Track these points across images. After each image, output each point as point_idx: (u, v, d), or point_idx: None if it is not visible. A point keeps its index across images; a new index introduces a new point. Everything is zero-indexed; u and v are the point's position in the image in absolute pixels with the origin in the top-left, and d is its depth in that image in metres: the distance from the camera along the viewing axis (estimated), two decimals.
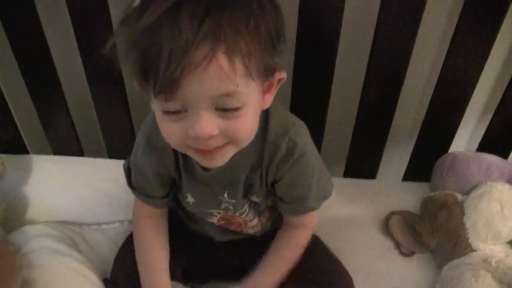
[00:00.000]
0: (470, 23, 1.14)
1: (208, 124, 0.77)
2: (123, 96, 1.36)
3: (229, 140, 0.82)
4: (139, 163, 1.03)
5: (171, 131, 0.82)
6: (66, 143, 1.48)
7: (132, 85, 1.33)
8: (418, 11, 1.13)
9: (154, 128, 0.95)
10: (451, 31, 1.17)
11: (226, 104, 0.77)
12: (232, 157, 0.90)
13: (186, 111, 0.77)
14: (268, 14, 0.78)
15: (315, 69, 1.24)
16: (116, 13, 1.20)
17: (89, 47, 1.27)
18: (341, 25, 1.16)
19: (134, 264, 1.10)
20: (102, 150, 1.52)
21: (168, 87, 0.72)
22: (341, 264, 1.16)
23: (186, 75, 0.71)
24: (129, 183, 1.08)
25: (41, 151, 1.51)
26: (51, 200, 1.34)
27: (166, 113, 0.79)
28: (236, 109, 0.78)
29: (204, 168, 0.98)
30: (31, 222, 1.27)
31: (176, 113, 0.78)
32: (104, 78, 1.33)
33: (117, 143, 1.47)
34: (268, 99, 0.88)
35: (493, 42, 1.16)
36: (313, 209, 1.07)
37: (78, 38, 1.26)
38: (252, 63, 0.75)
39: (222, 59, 0.71)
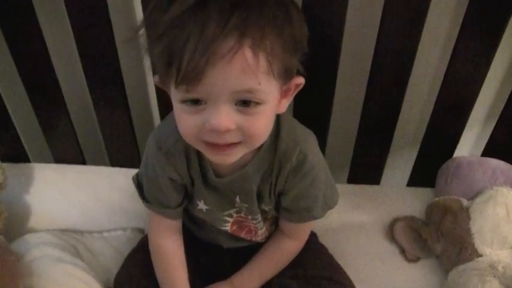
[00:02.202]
0: (474, 28, 1.14)
1: (227, 118, 0.78)
2: (125, 105, 1.36)
3: (244, 137, 0.82)
4: (151, 172, 1.02)
5: (188, 123, 0.82)
6: (68, 151, 1.48)
7: (134, 93, 1.35)
8: (420, 18, 1.12)
9: (164, 135, 0.98)
10: (455, 36, 1.17)
11: (245, 98, 0.78)
12: (245, 166, 0.93)
13: (205, 103, 0.78)
14: (294, 21, 0.80)
15: (318, 75, 1.23)
16: (116, 21, 1.21)
17: (90, 55, 1.27)
18: (343, 32, 1.16)
19: (140, 276, 1.10)
20: (104, 159, 1.51)
21: (191, 77, 0.73)
22: (343, 272, 1.16)
23: (210, 66, 0.72)
24: (143, 197, 1.07)
25: (42, 160, 1.50)
26: (52, 208, 1.34)
27: (185, 101, 0.79)
28: (255, 105, 0.79)
29: (217, 175, 0.98)
30: (33, 230, 1.27)
31: (195, 102, 0.78)
32: (105, 86, 1.33)
33: (119, 151, 1.47)
34: (284, 104, 0.89)
35: (497, 47, 1.16)
36: (316, 218, 1.07)
37: (79, 47, 1.26)
38: (274, 62, 0.76)
39: (247, 53, 0.73)
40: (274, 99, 0.83)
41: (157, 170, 1.00)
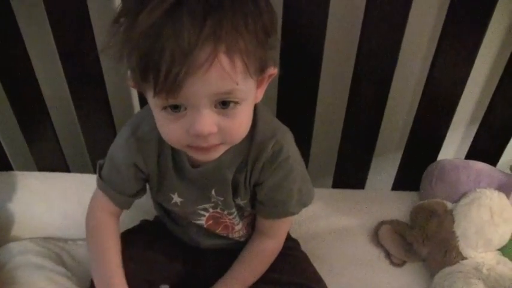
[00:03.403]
0: (455, 32, 1.15)
1: (208, 122, 0.79)
2: (108, 111, 1.36)
3: (225, 138, 0.83)
4: (117, 154, 1.02)
5: (171, 130, 0.83)
6: (51, 159, 1.47)
7: (116, 100, 1.34)
8: (402, 23, 1.13)
9: (142, 121, 0.99)
10: (437, 39, 1.18)
11: (226, 99, 0.79)
12: (221, 156, 0.91)
13: (185, 108, 0.79)
14: (263, 11, 0.79)
15: (301, 80, 1.24)
16: (99, 30, 1.20)
17: (72, 61, 1.27)
18: (325, 35, 1.16)
19: None
20: (88, 166, 1.50)
21: (169, 87, 0.74)
22: (321, 281, 1.15)
23: (188, 77, 0.72)
24: (100, 175, 1.06)
25: (25, 168, 1.49)
26: (36, 216, 1.33)
27: (165, 108, 0.80)
28: (234, 105, 0.80)
29: (193, 165, 0.98)
30: (16, 239, 1.25)
31: (175, 108, 0.79)
32: (88, 93, 1.32)
33: (102, 157, 1.44)
34: (260, 94, 0.90)
35: (477, 51, 1.17)
36: (292, 214, 1.06)
37: (61, 53, 1.25)
38: (250, 61, 0.77)
39: (223, 59, 0.73)
40: (252, 95, 0.84)
41: (124, 153, 1.00)
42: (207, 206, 1.06)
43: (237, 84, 0.76)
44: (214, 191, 1.01)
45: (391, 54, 1.19)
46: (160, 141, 0.97)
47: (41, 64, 1.33)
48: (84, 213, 1.31)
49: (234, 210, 1.06)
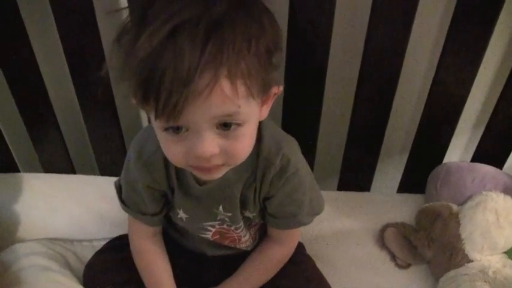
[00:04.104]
0: (461, 32, 1.14)
1: (210, 145, 0.78)
2: (114, 113, 1.36)
3: (228, 159, 0.83)
4: (131, 178, 1.02)
5: (173, 151, 0.82)
6: (57, 161, 1.47)
7: (123, 103, 1.35)
8: (408, 27, 1.13)
9: (146, 143, 0.98)
10: (442, 43, 1.18)
11: (229, 121, 0.78)
12: (227, 173, 0.90)
13: (187, 130, 0.78)
14: (267, 30, 0.78)
15: (306, 83, 1.24)
16: (105, 33, 1.21)
17: (79, 65, 1.27)
18: (331, 39, 1.16)
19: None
20: (94, 168, 1.51)
21: (170, 113, 0.73)
22: (327, 286, 1.15)
23: (188, 104, 0.72)
24: (121, 200, 1.07)
25: (31, 169, 1.50)
26: (42, 217, 1.34)
27: (166, 130, 0.79)
28: (236, 127, 0.79)
29: (199, 183, 0.98)
30: (22, 240, 1.26)
31: (176, 129, 0.78)
32: (94, 95, 1.31)
33: (108, 160, 1.47)
34: (265, 112, 0.88)
35: (483, 54, 1.17)
36: (304, 224, 1.07)
37: (69, 57, 1.26)
38: (252, 83, 0.75)
39: (224, 83, 0.72)
40: (255, 115, 0.83)
41: (136, 177, 1.00)
42: (213, 223, 1.05)
43: (239, 107, 0.76)
44: (222, 207, 1.01)
45: (397, 57, 1.18)
46: (166, 160, 0.96)
47: (48, 66, 1.33)
48: (89, 215, 1.36)
49: (241, 224, 1.05)
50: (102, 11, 1.19)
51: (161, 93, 0.71)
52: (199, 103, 0.72)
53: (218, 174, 0.87)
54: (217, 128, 0.78)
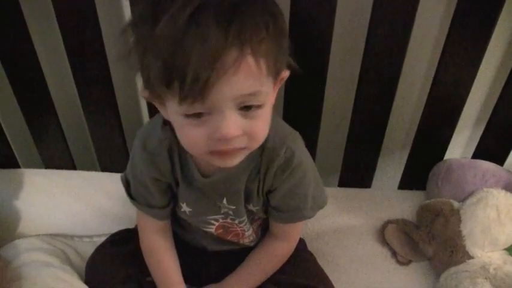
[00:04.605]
0: (462, 31, 1.14)
1: (234, 124, 0.79)
2: (115, 110, 1.36)
3: (248, 141, 0.83)
4: (137, 172, 1.02)
5: (193, 136, 0.82)
6: (58, 157, 1.47)
7: (124, 99, 1.35)
8: (409, 23, 1.13)
9: (150, 135, 0.99)
10: (443, 39, 1.18)
11: (250, 102, 0.79)
12: None
13: (209, 114, 0.78)
14: (278, 18, 0.80)
15: (308, 79, 1.23)
16: (107, 31, 1.21)
17: (79, 60, 1.27)
18: (332, 35, 1.16)
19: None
20: (94, 164, 1.51)
21: (197, 92, 0.73)
22: (328, 282, 1.15)
23: (217, 80, 0.72)
24: (130, 195, 1.07)
25: (31, 165, 1.50)
26: (42, 213, 1.34)
27: (188, 116, 0.79)
28: (256, 109, 0.80)
29: (204, 175, 0.98)
30: (22, 236, 1.26)
31: (198, 115, 0.79)
32: (95, 92, 1.33)
33: (109, 156, 1.47)
34: (273, 98, 0.89)
35: (485, 50, 1.17)
36: (307, 218, 1.07)
37: (69, 52, 1.26)
38: (271, 63, 0.78)
39: (250, 60, 0.74)
40: (271, 97, 0.84)
41: (142, 169, 1.01)
42: (217, 216, 1.06)
43: (262, 85, 0.77)
44: (226, 200, 1.01)
45: (398, 55, 1.19)
46: (170, 152, 0.97)
47: (49, 63, 1.33)
48: (89, 211, 1.36)
49: (245, 217, 1.06)
50: (104, 8, 1.20)
51: (187, 74, 0.71)
52: (226, 79, 0.73)
53: (237, 160, 0.86)
54: (239, 109, 0.79)
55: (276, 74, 0.82)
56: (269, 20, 0.77)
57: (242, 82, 0.75)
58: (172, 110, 0.82)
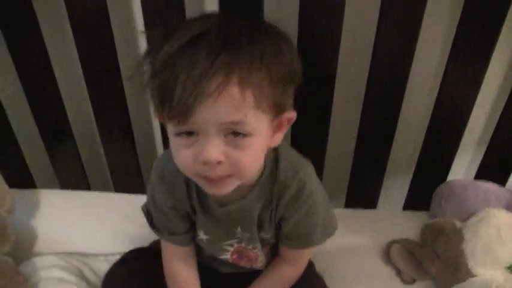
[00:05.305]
0: (462, 56, 1.18)
1: (216, 149, 0.81)
2: (130, 133, 1.41)
3: (233, 170, 0.84)
4: (158, 202, 1.05)
5: (182, 156, 0.85)
6: (73, 177, 1.51)
7: (138, 122, 1.39)
8: (412, 43, 1.17)
9: (166, 166, 1.01)
10: (444, 63, 1.21)
11: (236, 129, 0.80)
12: (247, 195, 0.96)
13: (197, 134, 0.81)
14: (284, 56, 0.83)
15: (314, 102, 1.28)
16: (122, 51, 1.26)
17: (97, 86, 1.32)
18: (338, 60, 1.20)
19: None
20: (109, 185, 1.55)
21: (181, 113, 0.77)
22: None
23: (198, 104, 0.76)
24: (152, 225, 1.09)
25: (48, 185, 1.53)
26: (58, 232, 1.38)
27: (179, 134, 0.83)
28: (243, 137, 0.81)
29: (220, 204, 1.00)
30: (39, 254, 1.30)
31: (188, 134, 0.82)
32: (111, 114, 1.38)
33: (123, 177, 1.51)
34: (278, 138, 0.92)
35: (485, 72, 1.20)
36: (316, 244, 1.08)
37: (86, 77, 1.31)
38: (262, 97, 0.79)
39: (233, 89, 0.76)
40: (263, 132, 0.85)
41: (161, 199, 1.03)
42: (232, 241, 1.08)
43: (246, 116, 0.79)
44: (240, 227, 1.04)
45: (400, 82, 1.23)
46: (187, 182, 1.00)
47: (67, 85, 1.37)
48: (104, 230, 1.39)
49: (258, 244, 1.08)
50: (120, 33, 1.25)
51: (175, 93, 0.76)
52: (208, 104, 0.76)
53: (225, 189, 0.88)
54: (225, 136, 0.81)
55: (272, 110, 0.84)
56: (267, 54, 0.79)
57: (223, 109, 0.77)
58: (169, 130, 0.85)
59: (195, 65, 0.75)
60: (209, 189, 0.89)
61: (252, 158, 0.86)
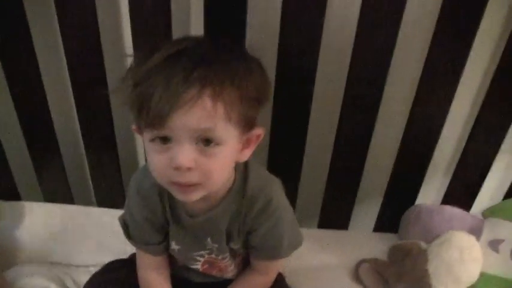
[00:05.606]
0: (433, 77, 1.25)
1: (187, 156, 0.86)
2: (114, 150, 1.45)
3: (202, 178, 0.89)
4: (134, 213, 1.09)
5: (156, 162, 0.90)
6: (58, 191, 1.55)
7: (121, 138, 1.44)
8: (383, 75, 1.25)
9: (142, 180, 1.06)
10: (414, 94, 1.29)
11: (207, 136, 0.86)
12: (216, 207, 1.01)
13: (171, 141, 0.87)
14: (254, 78, 0.90)
15: (289, 127, 1.35)
16: (109, 68, 1.31)
17: (84, 103, 1.38)
18: (314, 82, 1.27)
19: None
20: (92, 199, 1.58)
21: (157, 120, 0.84)
22: None
23: (173, 111, 0.82)
24: (128, 236, 1.14)
25: (32, 198, 1.56)
26: (41, 244, 1.41)
27: (153, 140, 0.88)
28: (214, 146, 0.87)
29: (190, 215, 1.05)
30: (24, 262, 1.34)
31: (163, 140, 0.87)
32: (96, 130, 1.43)
33: (106, 192, 1.55)
34: (246, 154, 0.98)
35: (450, 105, 1.28)
36: (283, 257, 1.13)
37: (75, 94, 1.36)
38: (232, 111, 0.86)
39: (206, 101, 0.83)
40: (232, 144, 0.91)
41: (137, 211, 1.08)
42: (203, 252, 1.12)
43: (216, 125, 0.85)
44: (210, 239, 1.08)
45: (371, 111, 1.31)
46: (160, 195, 1.05)
47: (56, 103, 1.42)
48: (85, 242, 1.42)
49: (227, 254, 1.12)
50: (110, 62, 1.30)
51: (152, 103, 0.82)
52: (182, 112, 0.82)
53: (194, 196, 0.92)
54: (197, 143, 0.86)
55: (241, 125, 0.90)
56: (238, 74, 0.87)
57: (196, 117, 0.83)
58: (145, 138, 0.91)
59: (172, 78, 0.82)
60: (179, 196, 0.94)
61: (221, 167, 0.91)
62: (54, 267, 1.32)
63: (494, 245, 1.31)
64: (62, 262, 1.37)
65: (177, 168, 0.87)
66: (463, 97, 1.35)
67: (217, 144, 0.88)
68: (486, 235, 1.33)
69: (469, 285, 1.26)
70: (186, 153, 0.86)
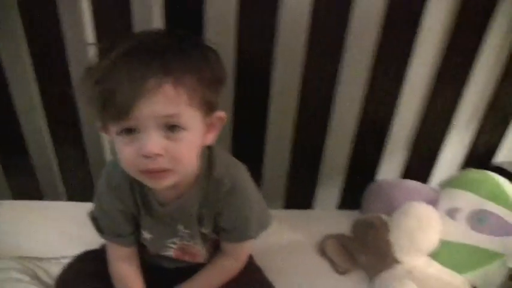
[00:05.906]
0: (386, 59, 1.31)
1: (155, 142, 0.89)
2: (82, 145, 1.47)
3: (172, 163, 0.93)
4: (104, 206, 1.12)
5: (126, 154, 0.93)
6: (26, 187, 1.56)
7: (89, 135, 1.46)
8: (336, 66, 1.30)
9: (112, 173, 1.09)
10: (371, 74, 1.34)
11: (172, 122, 0.90)
12: (185, 194, 1.04)
13: (138, 131, 0.90)
14: (211, 62, 0.96)
15: (252, 108, 1.39)
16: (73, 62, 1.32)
17: (51, 98, 1.39)
18: (271, 76, 1.32)
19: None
20: (61, 194, 1.60)
21: (123, 110, 0.87)
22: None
23: (137, 100, 0.86)
24: (99, 229, 1.16)
25: (1, 196, 1.58)
26: (12, 240, 1.42)
27: (120, 133, 0.91)
28: (179, 130, 0.91)
29: (161, 204, 1.08)
30: None
31: (128, 132, 0.91)
32: (63, 126, 1.44)
33: (75, 186, 1.57)
34: (211, 137, 1.02)
35: (403, 77, 1.34)
36: (252, 238, 1.16)
37: (41, 90, 1.37)
38: (194, 96, 0.90)
39: (169, 88, 0.87)
40: (197, 128, 0.95)
41: (108, 203, 1.11)
42: (174, 239, 1.15)
43: (180, 111, 0.89)
44: (182, 225, 1.11)
45: (328, 95, 1.36)
46: (131, 186, 1.08)
47: (20, 96, 1.42)
48: (56, 236, 1.43)
49: (199, 239, 1.14)
50: (73, 47, 1.31)
51: (116, 95, 0.86)
52: (146, 100, 0.86)
53: (166, 182, 0.95)
54: (163, 130, 0.90)
55: (203, 108, 0.94)
56: (197, 60, 0.92)
57: (160, 104, 0.87)
58: (112, 132, 0.94)
59: (133, 71, 0.86)
60: (151, 183, 0.97)
61: (188, 150, 0.95)
62: (26, 261, 1.32)
63: (452, 213, 1.36)
64: (34, 256, 1.37)
65: (147, 156, 0.90)
66: (418, 72, 1.38)
67: (183, 129, 0.91)
68: (443, 204, 1.39)
69: (429, 252, 1.32)
70: (153, 140, 0.89)
